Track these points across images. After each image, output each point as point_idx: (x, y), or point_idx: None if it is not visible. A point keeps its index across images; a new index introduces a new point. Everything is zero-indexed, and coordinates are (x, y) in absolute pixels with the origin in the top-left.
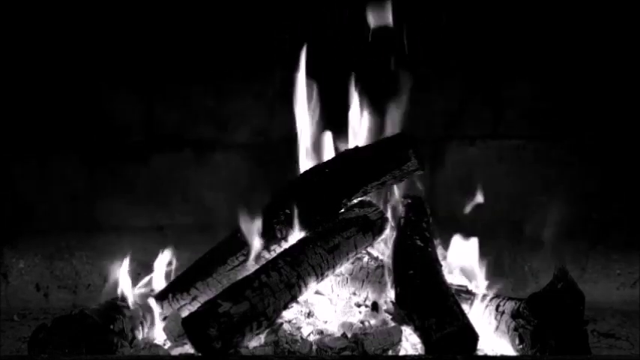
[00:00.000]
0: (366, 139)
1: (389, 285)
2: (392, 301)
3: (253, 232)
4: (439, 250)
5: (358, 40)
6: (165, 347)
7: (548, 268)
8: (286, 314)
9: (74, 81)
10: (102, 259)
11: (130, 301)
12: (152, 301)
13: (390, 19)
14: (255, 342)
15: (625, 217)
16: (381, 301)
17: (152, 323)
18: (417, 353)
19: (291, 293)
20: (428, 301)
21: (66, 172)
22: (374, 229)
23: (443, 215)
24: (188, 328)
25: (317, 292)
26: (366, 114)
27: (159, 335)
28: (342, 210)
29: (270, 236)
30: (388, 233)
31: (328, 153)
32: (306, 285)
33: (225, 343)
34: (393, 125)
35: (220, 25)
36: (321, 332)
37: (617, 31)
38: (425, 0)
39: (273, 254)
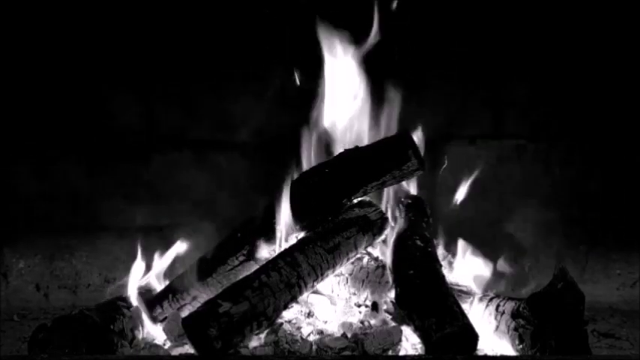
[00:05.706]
0: (366, 139)
1: (389, 285)
2: (392, 301)
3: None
4: (439, 250)
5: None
6: (166, 347)
7: (548, 268)
8: (286, 314)
9: (74, 81)
10: (102, 259)
11: (131, 301)
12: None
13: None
14: (255, 342)
15: (625, 217)
16: (381, 301)
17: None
18: (417, 353)
19: (291, 293)
20: (428, 301)
21: (66, 172)
22: (374, 229)
23: (443, 215)
24: (188, 328)
25: (317, 292)
26: (366, 114)
27: (159, 335)
28: (342, 210)
29: (270, 236)
30: (388, 233)
31: (328, 153)
32: (306, 285)
33: (225, 343)
34: (392, 125)
35: (220, 25)
36: (321, 332)
37: (617, 34)
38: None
39: (273, 254)
